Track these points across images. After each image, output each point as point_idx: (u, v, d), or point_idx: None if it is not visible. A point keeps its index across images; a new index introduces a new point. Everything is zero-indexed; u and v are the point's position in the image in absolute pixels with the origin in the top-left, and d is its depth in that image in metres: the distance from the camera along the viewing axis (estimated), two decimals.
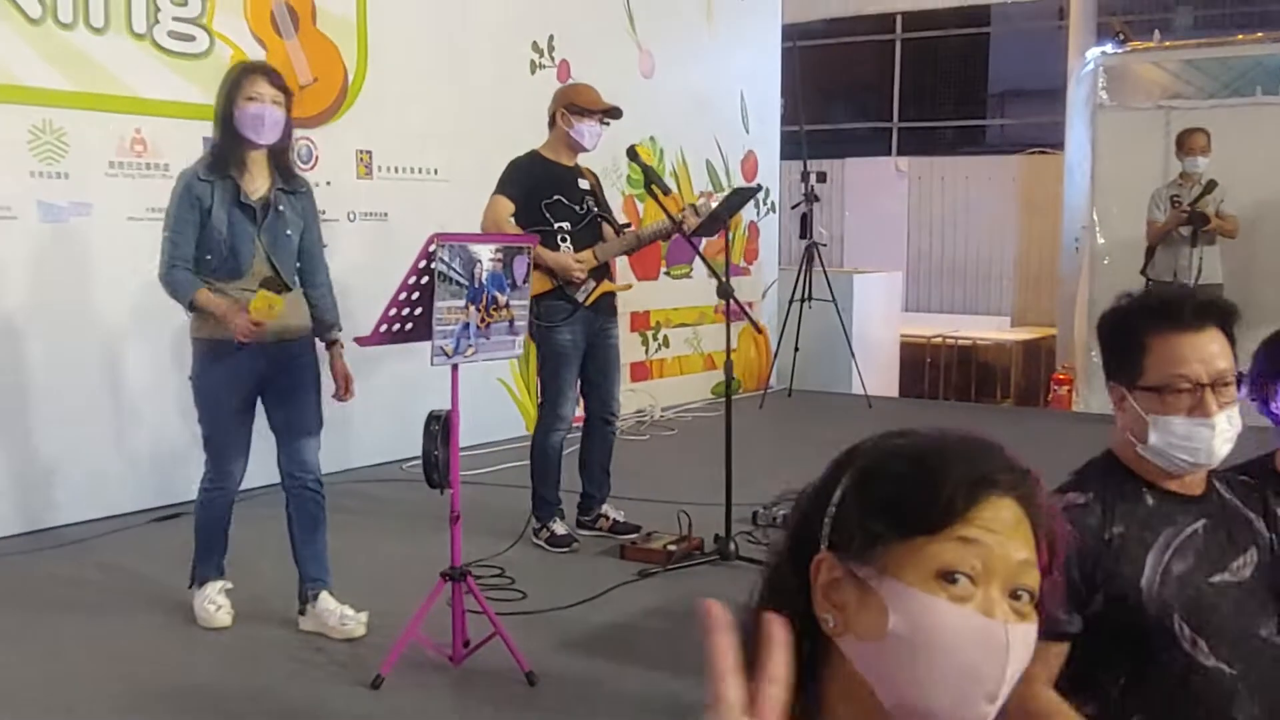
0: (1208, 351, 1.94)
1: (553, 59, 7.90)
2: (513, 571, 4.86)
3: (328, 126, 6.52)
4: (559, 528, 5.24)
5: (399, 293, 3.59)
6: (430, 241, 3.53)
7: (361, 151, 6.73)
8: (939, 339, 12.36)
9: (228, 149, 3.97)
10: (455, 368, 3.75)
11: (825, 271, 9.13)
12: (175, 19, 5.82)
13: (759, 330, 6.86)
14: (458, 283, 3.58)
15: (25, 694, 3.74)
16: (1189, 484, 2.03)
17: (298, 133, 6.25)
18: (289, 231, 4.06)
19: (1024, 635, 1.09)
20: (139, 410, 5.79)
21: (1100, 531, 1.97)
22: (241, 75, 3.98)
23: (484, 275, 3.68)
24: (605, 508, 5.47)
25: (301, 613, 4.22)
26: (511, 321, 3.82)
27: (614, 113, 5.23)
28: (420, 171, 7.03)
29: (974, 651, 1.07)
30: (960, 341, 12.36)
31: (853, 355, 9.23)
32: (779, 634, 0.93)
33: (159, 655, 4.05)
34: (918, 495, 1.10)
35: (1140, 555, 1.96)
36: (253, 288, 3.96)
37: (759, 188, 6.44)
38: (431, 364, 3.61)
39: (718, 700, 0.87)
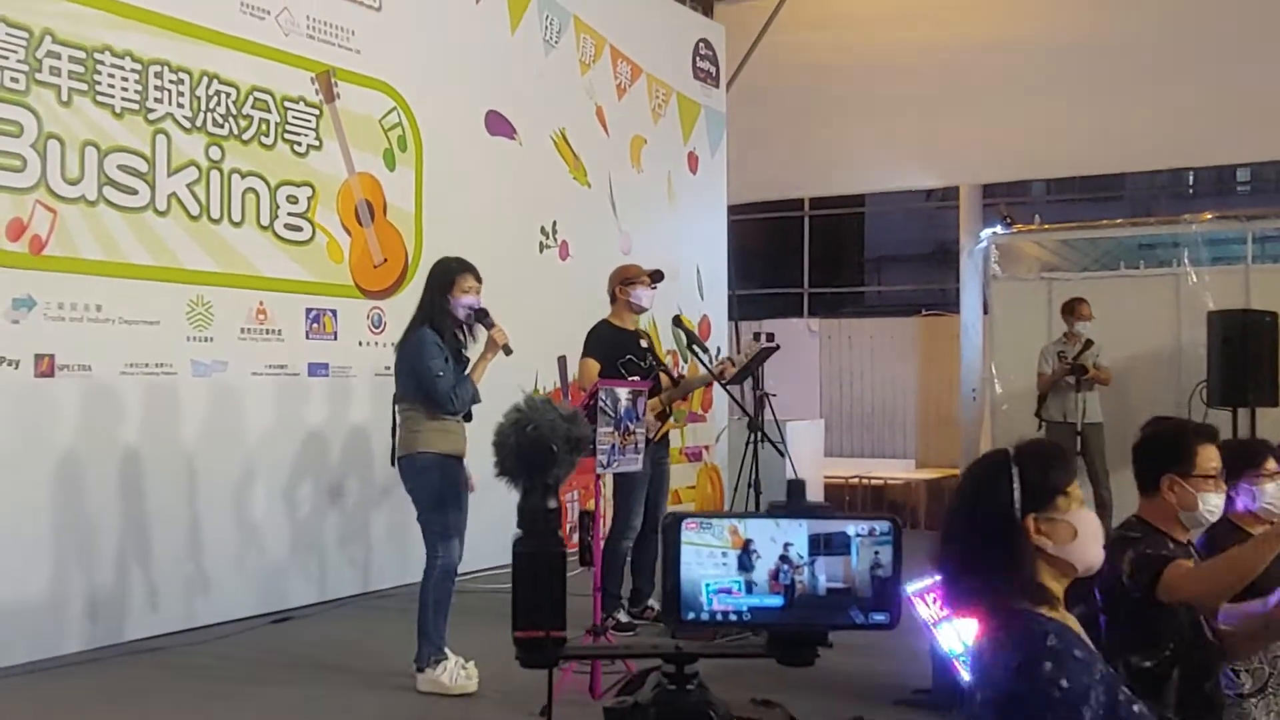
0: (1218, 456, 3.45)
1: (555, 239, 9.46)
2: None
3: (394, 297, 7.90)
4: (623, 616, 6.59)
5: None
6: (596, 387, 4.98)
7: None
8: (855, 479, 13.98)
9: (444, 321, 5.43)
10: (598, 477, 5.17)
11: (776, 419, 10.67)
12: (289, 214, 7.22)
13: (781, 453, 8.29)
14: (609, 414, 5.02)
15: None
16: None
17: (371, 302, 7.72)
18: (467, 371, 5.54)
19: None
20: (261, 530, 7.01)
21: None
22: (457, 273, 5.52)
23: (622, 410, 5.12)
24: (650, 601, 6.83)
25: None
26: (636, 444, 5.26)
27: (658, 275, 6.75)
28: None
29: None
30: (873, 481, 14.01)
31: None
32: None
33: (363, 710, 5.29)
34: (1067, 467, 2.54)
35: None
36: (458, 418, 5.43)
37: (777, 346, 7.97)
38: (596, 472, 5.03)
39: None
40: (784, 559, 1.55)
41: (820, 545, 1.56)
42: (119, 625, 6.25)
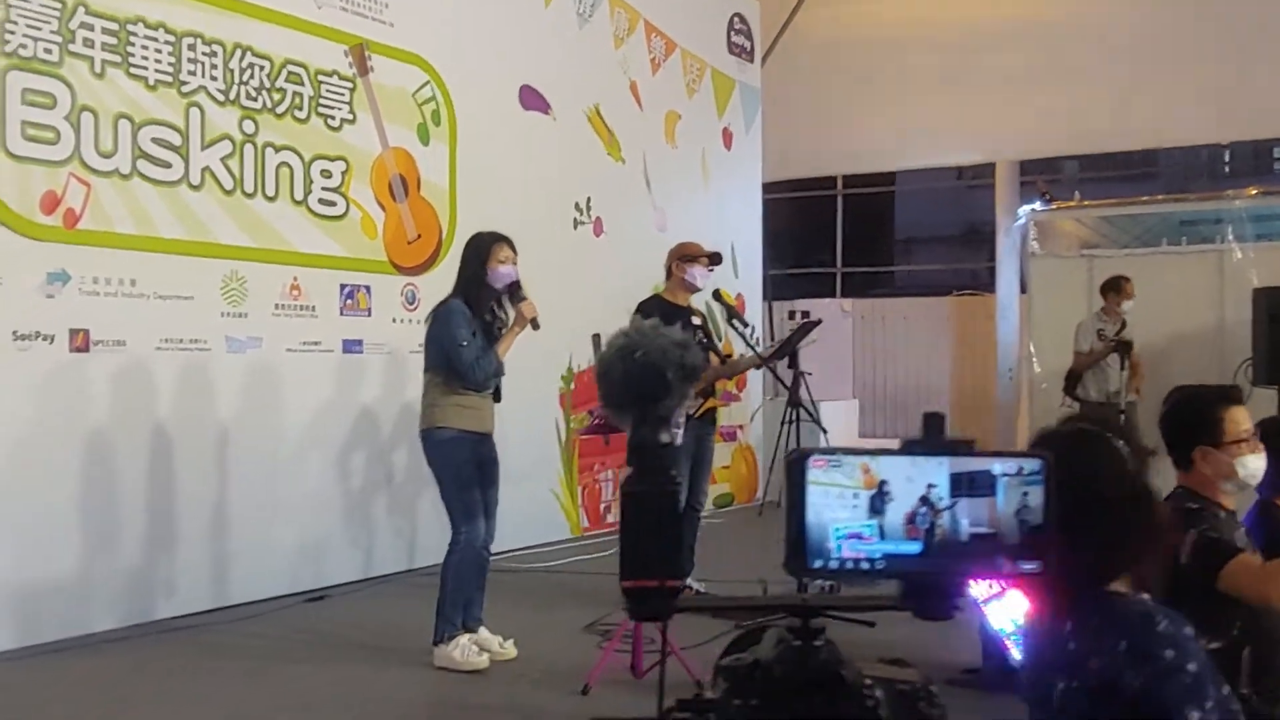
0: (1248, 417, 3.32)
1: (589, 216, 9.34)
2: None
3: (428, 274, 7.80)
4: None
5: None
6: None
7: None
8: None
9: (480, 293, 5.35)
10: None
11: (812, 398, 10.56)
12: (323, 189, 7.12)
13: (822, 428, 8.15)
14: None
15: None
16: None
17: (405, 279, 7.63)
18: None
19: None
20: (295, 507, 6.93)
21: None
22: (493, 243, 5.42)
23: None
24: (689, 581, 6.72)
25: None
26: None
27: (716, 258, 6.63)
28: None
29: None
30: None
31: None
32: None
33: (397, 687, 5.21)
34: None
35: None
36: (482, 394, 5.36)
37: (819, 321, 7.87)
38: None
39: None
40: (925, 500, 1.41)
41: (962, 485, 1.42)
42: (151, 603, 6.18)
